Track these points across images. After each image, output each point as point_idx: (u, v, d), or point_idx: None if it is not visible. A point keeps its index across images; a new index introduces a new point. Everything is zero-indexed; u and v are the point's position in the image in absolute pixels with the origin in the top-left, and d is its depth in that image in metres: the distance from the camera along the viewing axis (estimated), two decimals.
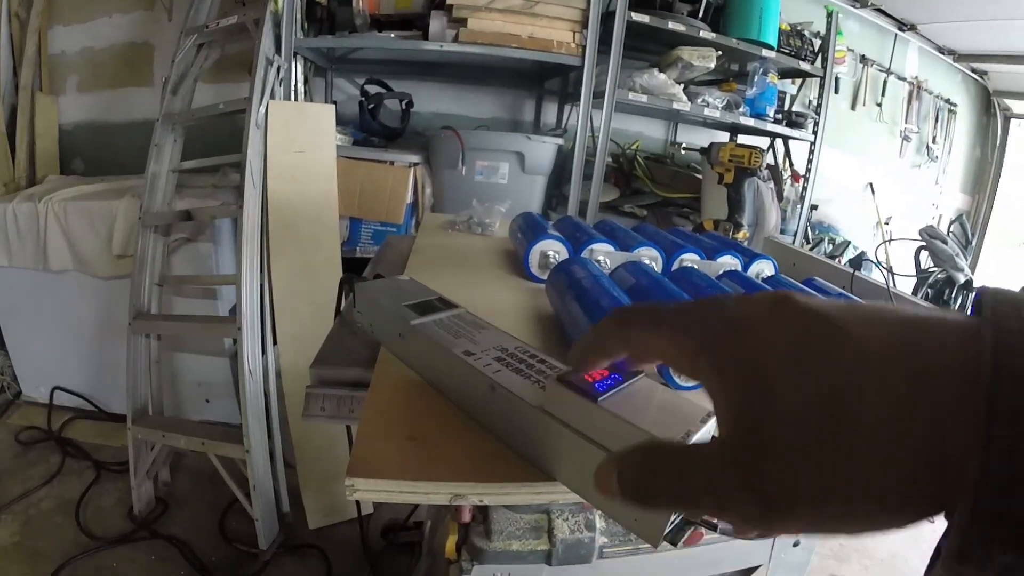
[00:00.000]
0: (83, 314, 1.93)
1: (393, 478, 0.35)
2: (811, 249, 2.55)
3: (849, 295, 0.75)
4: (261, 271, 1.60)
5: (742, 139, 2.39)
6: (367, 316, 0.56)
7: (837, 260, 2.60)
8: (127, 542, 1.51)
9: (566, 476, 0.35)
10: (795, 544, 0.82)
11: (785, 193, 2.33)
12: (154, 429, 1.59)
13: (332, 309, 0.74)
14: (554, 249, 0.83)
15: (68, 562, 1.44)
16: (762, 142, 2.46)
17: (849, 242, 2.87)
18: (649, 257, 0.85)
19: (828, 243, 2.75)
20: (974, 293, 0.24)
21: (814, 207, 2.64)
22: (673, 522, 0.30)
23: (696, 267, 0.84)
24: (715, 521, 0.30)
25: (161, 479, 1.72)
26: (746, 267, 0.91)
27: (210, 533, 1.57)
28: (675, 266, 0.87)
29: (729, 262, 0.89)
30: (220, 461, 1.54)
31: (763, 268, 0.93)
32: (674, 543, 0.30)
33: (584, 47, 1.74)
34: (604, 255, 0.84)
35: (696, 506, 0.23)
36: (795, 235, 2.34)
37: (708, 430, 0.31)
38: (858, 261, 2.71)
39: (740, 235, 1.41)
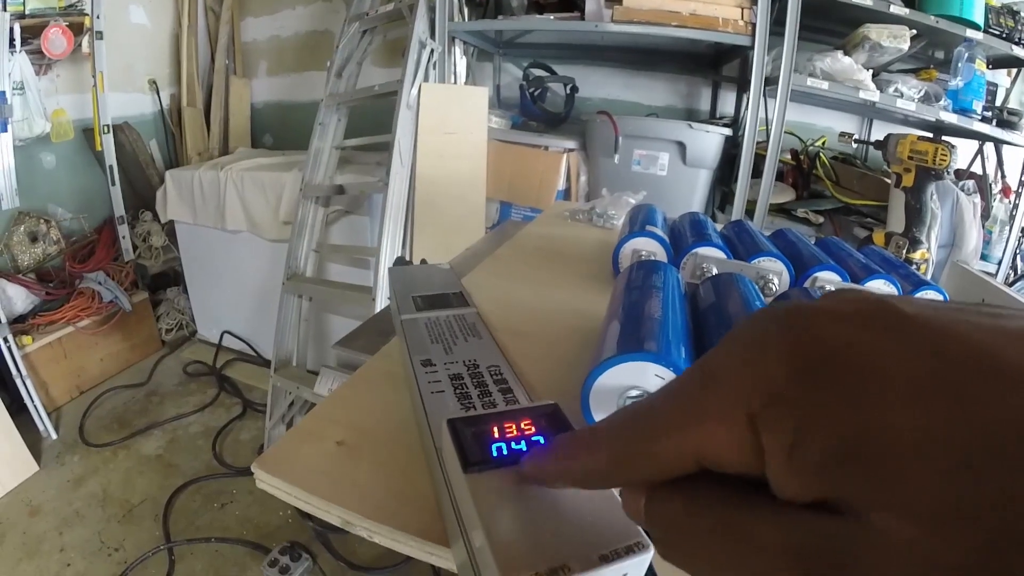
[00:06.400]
0: (252, 270, 2.16)
1: (294, 484, 0.33)
2: (1012, 283, 2.08)
3: None
4: (403, 246, 1.66)
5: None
6: (393, 302, 0.54)
7: None
8: (249, 475, 1.67)
9: (453, 544, 0.27)
10: None
11: (993, 211, 1.95)
12: (291, 380, 1.73)
13: None
14: (649, 249, 0.69)
15: (195, 480, 1.64)
16: (970, 147, 2.07)
17: None
18: (773, 271, 0.66)
19: None
20: None
21: None
22: None
23: (833, 290, 0.62)
24: None
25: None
26: None
27: None
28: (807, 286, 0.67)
29: (879, 288, 0.66)
30: None
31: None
32: None
33: (754, 24, 1.55)
34: (709, 262, 0.67)
35: None
36: (1000, 263, 1.94)
37: (617, 571, 0.19)
38: None
39: (917, 254, 1.18)
